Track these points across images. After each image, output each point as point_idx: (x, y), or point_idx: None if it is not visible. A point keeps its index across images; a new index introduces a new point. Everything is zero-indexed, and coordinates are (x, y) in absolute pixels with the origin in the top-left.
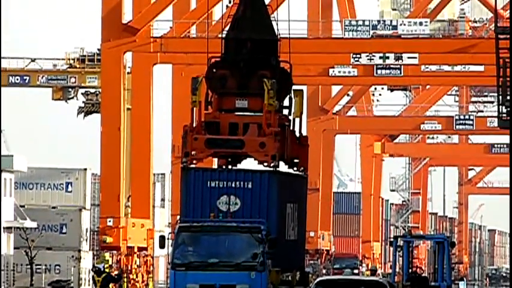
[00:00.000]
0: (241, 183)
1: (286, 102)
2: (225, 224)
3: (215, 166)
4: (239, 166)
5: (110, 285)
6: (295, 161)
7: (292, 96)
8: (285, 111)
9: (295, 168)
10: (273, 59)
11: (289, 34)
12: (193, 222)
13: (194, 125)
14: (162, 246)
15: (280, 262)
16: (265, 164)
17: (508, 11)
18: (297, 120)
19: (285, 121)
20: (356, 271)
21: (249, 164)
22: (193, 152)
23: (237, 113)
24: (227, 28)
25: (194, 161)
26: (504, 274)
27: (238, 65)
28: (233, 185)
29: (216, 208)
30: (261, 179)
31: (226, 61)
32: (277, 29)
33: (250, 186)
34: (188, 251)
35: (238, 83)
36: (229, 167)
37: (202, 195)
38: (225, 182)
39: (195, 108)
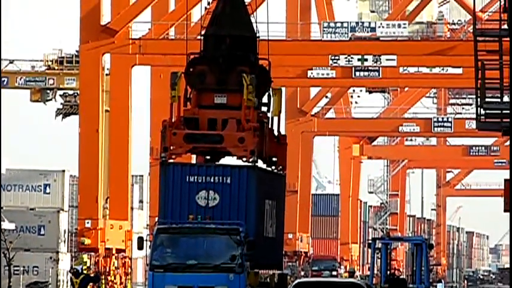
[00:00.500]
0: (220, 178)
1: (264, 100)
2: (204, 226)
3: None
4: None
5: (89, 286)
6: (274, 159)
7: (271, 94)
8: (264, 110)
9: (273, 167)
10: (252, 56)
11: (267, 36)
12: (171, 223)
13: (173, 121)
14: (140, 247)
15: (258, 259)
16: (244, 159)
17: (487, 13)
18: (276, 118)
19: (263, 118)
20: (335, 273)
21: (228, 161)
22: (172, 148)
23: (215, 109)
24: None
25: (173, 156)
26: (481, 276)
27: (217, 61)
28: (212, 180)
29: (194, 203)
30: (240, 174)
31: (205, 57)
32: (257, 28)
33: (229, 181)
34: (166, 252)
35: (217, 79)
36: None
37: (181, 190)
38: (203, 177)
39: (174, 104)
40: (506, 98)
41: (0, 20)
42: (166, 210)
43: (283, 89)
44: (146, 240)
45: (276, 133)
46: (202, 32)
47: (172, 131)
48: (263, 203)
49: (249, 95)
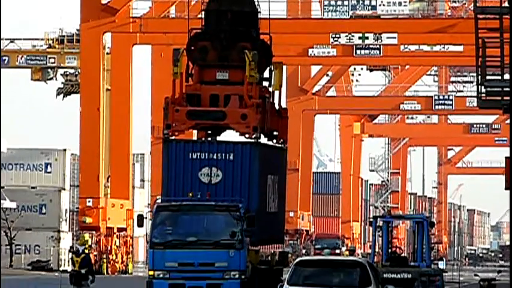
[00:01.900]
0: (223, 154)
1: (265, 75)
2: (203, 203)
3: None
4: (219, 138)
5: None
6: (275, 133)
7: (272, 68)
8: (265, 84)
9: (274, 141)
10: (254, 31)
11: (269, 14)
12: (172, 201)
13: (176, 97)
14: (140, 225)
15: (261, 234)
16: (247, 135)
17: None
18: (276, 92)
19: (265, 93)
20: (338, 251)
21: (229, 136)
22: (174, 124)
23: (217, 85)
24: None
25: (176, 133)
26: (481, 255)
27: (219, 36)
28: (215, 157)
29: (197, 180)
30: (243, 150)
31: (207, 33)
32: (258, 5)
33: (232, 157)
34: (166, 230)
35: (218, 54)
36: (209, 139)
37: (184, 167)
38: (206, 154)
39: (176, 80)
40: (507, 76)
41: (0, 19)
42: (169, 187)
43: (284, 68)
44: (146, 218)
45: (277, 107)
46: (204, 8)
47: (175, 107)
48: (266, 178)
49: (251, 71)
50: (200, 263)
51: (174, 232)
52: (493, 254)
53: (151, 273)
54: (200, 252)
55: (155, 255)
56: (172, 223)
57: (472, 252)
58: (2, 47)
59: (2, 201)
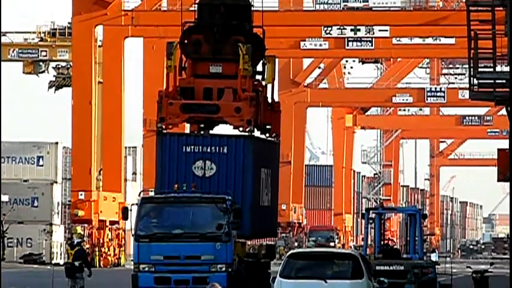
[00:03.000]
0: (217, 148)
1: (258, 69)
2: (189, 195)
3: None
4: (212, 132)
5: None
6: (268, 127)
7: (265, 62)
8: (258, 77)
9: (267, 134)
10: (247, 25)
11: (262, 7)
12: (162, 193)
13: (169, 90)
14: (125, 217)
15: (254, 227)
16: (241, 128)
17: None
18: (269, 86)
19: (258, 87)
20: (332, 244)
21: (222, 129)
22: (168, 118)
23: (211, 79)
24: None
25: (169, 126)
26: (471, 247)
27: (212, 30)
28: (208, 150)
29: (191, 173)
30: (237, 143)
31: (200, 26)
32: None
33: (225, 151)
34: (152, 222)
35: (212, 48)
36: (202, 132)
37: (178, 160)
38: (200, 147)
39: (170, 74)
40: (498, 68)
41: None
42: (163, 180)
43: (276, 60)
44: (131, 210)
45: (270, 100)
46: (197, 1)
47: (169, 101)
48: (259, 172)
49: (244, 64)
50: (186, 256)
51: (159, 225)
52: (483, 246)
53: (136, 266)
54: (186, 245)
55: (140, 248)
56: (158, 215)
57: (463, 244)
58: None
59: None
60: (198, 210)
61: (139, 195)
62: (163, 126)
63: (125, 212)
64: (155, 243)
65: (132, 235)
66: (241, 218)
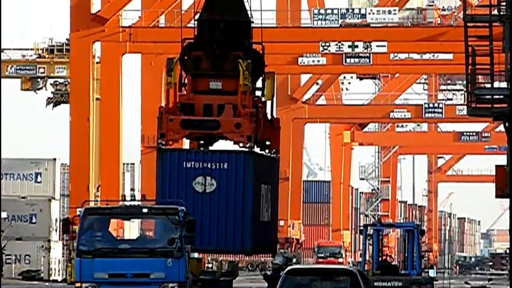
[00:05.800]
0: (217, 164)
1: (258, 85)
2: (138, 206)
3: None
4: (212, 148)
5: None
6: (267, 143)
7: (264, 78)
8: (257, 94)
9: (267, 150)
10: (247, 41)
11: (261, 23)
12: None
13: (169, 107)
14: (65, 231)
15: (255, 243)
16: (241, 144)
17: None
18: (269, 102)
19: (258, 103)
20: (341, 260)
21: (222, 145)
22: (168, 134)
23: (211, 95)
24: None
25: (170, 142)
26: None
27: (212, 46)
28: (209, 166)
29: (191, 189)
30: (237, 159)
31: (200, 42)
32: (251, 13)
33: (226, 167)
34: (96, 236)
35: (212, 64)
36: (201, 148)
37: (178, 176)
38: (200, 163)
39: (170, 90)
40: (496, 84)
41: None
42: (164, 196)
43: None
44: (72, 224)
45: (269, 117)
46: (196, 17)
47: (169, 117)
48: (259, 187)
49: (245, 80)
50: (134, 274)
51: (104, 238)
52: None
53: (78, 285)
54: (134, 261)
55: (83, 265)
56: (102, 228)
57: (463, 259)
58: None
59: None
60: (147, 223)
61: (82, 205)
62: (164, 142)
63: (65, 225)
64: (99, 258)
65: (73, 250)
66: (195, 231)
